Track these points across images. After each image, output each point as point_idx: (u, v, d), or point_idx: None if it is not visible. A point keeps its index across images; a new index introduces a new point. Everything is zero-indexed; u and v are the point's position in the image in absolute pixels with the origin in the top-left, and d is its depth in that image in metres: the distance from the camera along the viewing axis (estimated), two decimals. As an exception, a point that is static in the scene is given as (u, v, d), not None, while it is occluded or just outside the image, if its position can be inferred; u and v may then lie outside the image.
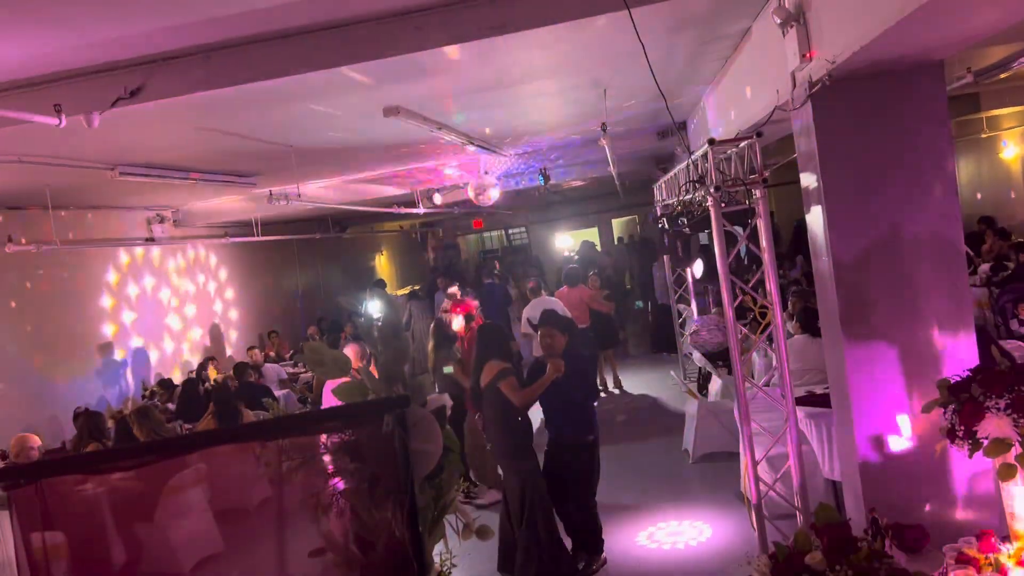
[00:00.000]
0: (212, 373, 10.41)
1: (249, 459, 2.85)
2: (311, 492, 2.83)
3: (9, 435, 6.72)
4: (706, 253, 5.95)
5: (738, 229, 5.41)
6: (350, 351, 6.23)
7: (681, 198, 6.89)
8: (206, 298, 12.56)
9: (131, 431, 6.59)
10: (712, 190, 5.07)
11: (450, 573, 3.28)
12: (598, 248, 21.52)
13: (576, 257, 18.53)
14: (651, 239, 18.70)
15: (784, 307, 6.04)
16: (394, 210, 12.27)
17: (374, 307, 10.86)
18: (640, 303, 16.06)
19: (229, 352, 12.68)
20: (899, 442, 4.16)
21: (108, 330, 9.97)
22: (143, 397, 10.07)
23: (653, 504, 6.89)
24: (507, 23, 4.06)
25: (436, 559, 3.15)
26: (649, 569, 5.80)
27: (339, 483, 2.84)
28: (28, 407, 8.49)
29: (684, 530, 6.28)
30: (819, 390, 5.99)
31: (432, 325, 8.40)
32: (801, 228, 14.85)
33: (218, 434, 4.37)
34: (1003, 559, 3.11)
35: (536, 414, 6.04)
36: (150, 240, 10.52)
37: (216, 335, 12.60)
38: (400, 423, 2.74)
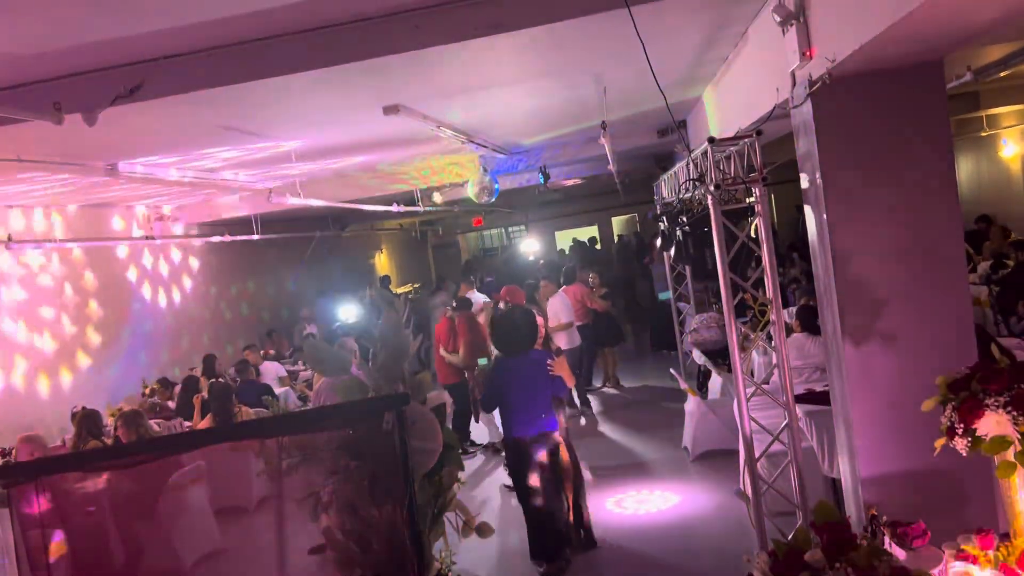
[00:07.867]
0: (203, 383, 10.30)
1: (249, 457, 2.85)
2: (311, 490, 2.83)
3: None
4: (702, 252, 5.96)
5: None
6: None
7: (681, 196, 6.89)
8: (205, 296, 12.54)
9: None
10: (712, 188, 5.07)
11: (449, 571, 3.28)
12: (597, 247, 21.53)
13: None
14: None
15: (787, 305, 6.03)
16: (394, 208, 12.24)
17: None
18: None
19: (228, 351, 12.65)
20: (898, 439, 4.16)
21: (107, 327, 9.96)
22: (143, 395, 10.05)
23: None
24: (504, 22, 4.06)
25: (436, 556, 3.15)
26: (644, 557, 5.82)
27: (339, 481, 2.84)
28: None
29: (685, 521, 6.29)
30: (818, 388, 6.01)
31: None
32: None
33: (218, 432, 4.37)
34: (1003, 557, 3.11)
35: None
36: (149, 238, 10.51)
37: (214, 334, 12.58)
38: (400, 421, 2.74)
